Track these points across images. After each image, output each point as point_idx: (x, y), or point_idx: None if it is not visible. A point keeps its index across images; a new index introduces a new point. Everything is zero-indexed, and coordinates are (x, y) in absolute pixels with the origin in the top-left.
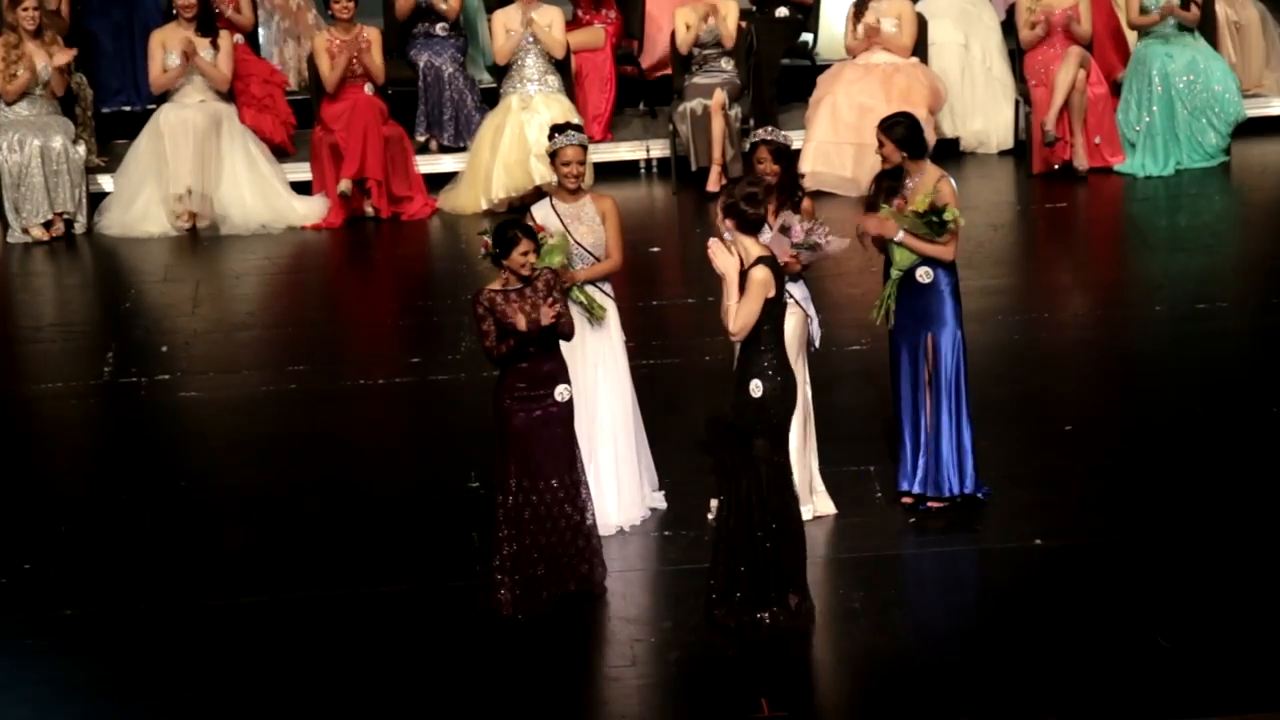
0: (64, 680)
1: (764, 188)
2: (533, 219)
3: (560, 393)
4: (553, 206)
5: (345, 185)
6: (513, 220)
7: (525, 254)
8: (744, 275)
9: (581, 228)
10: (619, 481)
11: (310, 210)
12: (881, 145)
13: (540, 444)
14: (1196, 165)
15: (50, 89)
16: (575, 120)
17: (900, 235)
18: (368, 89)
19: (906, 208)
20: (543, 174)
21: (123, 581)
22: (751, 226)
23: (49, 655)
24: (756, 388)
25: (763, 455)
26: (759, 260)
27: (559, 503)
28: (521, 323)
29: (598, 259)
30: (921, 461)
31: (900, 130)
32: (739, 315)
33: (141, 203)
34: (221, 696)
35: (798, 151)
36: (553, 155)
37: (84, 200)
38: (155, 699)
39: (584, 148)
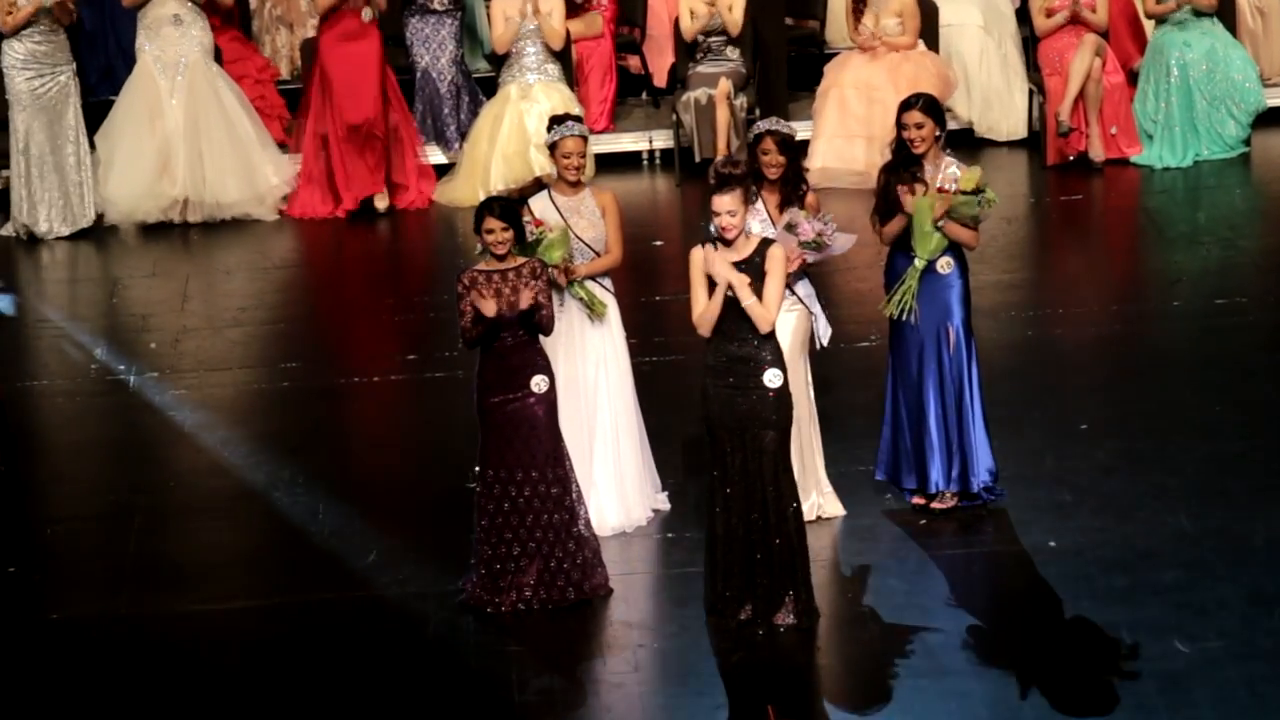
0: (50, 687)
1: (745, 161)
2: (530, 212)
3: (537, 384)
4: (551, 199)
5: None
6: (495, 198)
7: (490, 232)
8: (756, 257)
9: (581, 222)
10: (621, 482)
11: (283, 176)
12: (920, 126)
13: (517, 436)
14: (1215, 156)
15: (55, 17)
16: (575, 110)
17: (942, 220)
18: (366, 15)
19: (952, 189)
20: (542, 165)
21: (110, 585)
22: (747, 180)
23: (35, 661)
24: (776, 377)
25: (773, 449)
26: (767, 240)
27: (542, 497)
28: (489, 307)
29: (598, 254)
30: (948, 455)
31: (940, 109)
32: (773, 299)
33: (135, 185)
34: (213, 703)
35: (805, 143)
36: (552, 147)
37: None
38: (144, 706)
39: (584, 139)
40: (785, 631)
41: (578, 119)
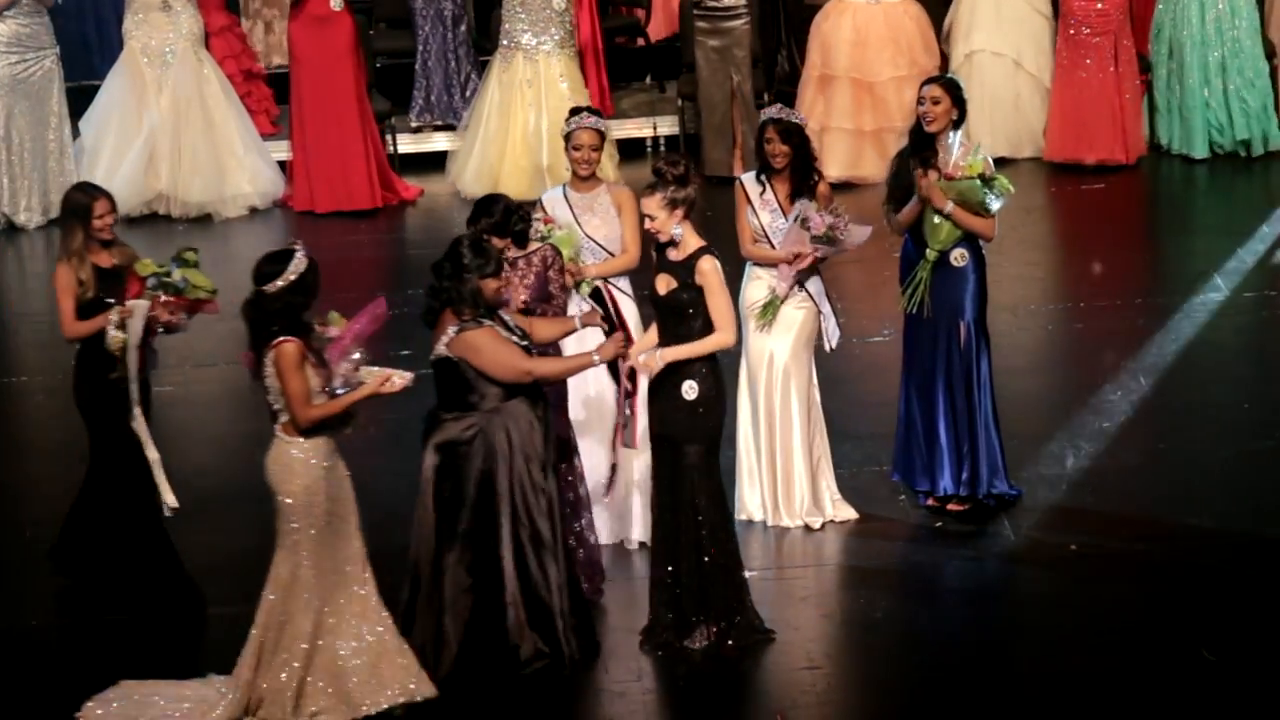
0: (32, 696)
1: (686, 163)
2: (542, 208)
3: None
4: (565, 194)
5: None
6: (495, 202)
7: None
8: (684, 266)
9: (594, 220)
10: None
11: (258, 186)
12: (937, 102)
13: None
14: (1241, 138)
15: None
16: (583, 98)
17: (949, 208)
18: (335, 3)
19: (958, 174)
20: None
21: (92, 589)
22: (691, 208)
23: (16, 669)
24: (691, 390)
25: (695, 464)
26: (703, 251)
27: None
28: (518, 298)
29: (611, 253)
30: (957, 460)
31: (961, 92)
32: (723, 316)
33: (121, 178)
34: None
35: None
36: (566, 138)
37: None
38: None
39: (599, 133)
40: (722, 650)
41: (595, 111)
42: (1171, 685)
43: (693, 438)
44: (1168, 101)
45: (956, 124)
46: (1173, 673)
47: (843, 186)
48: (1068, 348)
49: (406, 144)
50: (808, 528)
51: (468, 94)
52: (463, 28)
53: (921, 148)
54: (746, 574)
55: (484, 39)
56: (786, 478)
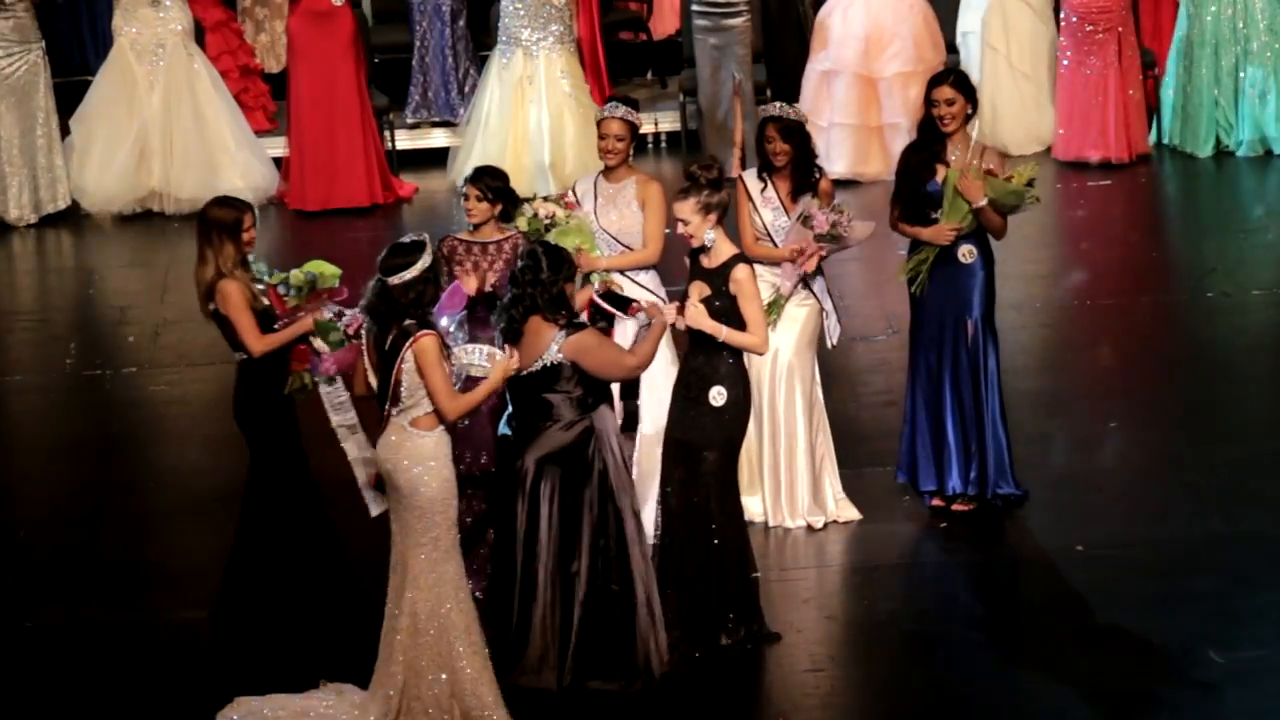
0: (22, 698)
1: (719, 167)
2: (573, 192)
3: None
4: (595, 182)
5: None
6: (488, 169)
7: (465, 198)
8: (718, 274)
9: (613, 212)
10: None
11: (250, 181)
12: (951, 103)
13: (476, 422)
14: (1250, 137)
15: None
16: (583, 97)
17: (984, 202)
18: None
19: (1005, 175)
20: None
21: (86, 591)
22: (724, 213)
23: (6, 671)
24: (719, 396)
25: (713, 470)
26: (737, 259)
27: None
28: (470, 284)
29: (627, 247)
30: (964, 459)
31: (971, 85)
32: (757, 324)
33: (113, 175)
34: (196, 714)
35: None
36: (598, 125)
37: (66, 180)
38: (123, 718)
39: (628, 124)
40: (734, 653)
41: (630, 102)
42: (1178, 687)
43: (713, 443)
44: (1177, 99)
45: (968, 118)
46: (1179, 674)
47: (848, 183)
48: (1072, 346)
49: (403, 140)
50: (810, 528)
51: (465, 90)
52: (461, 23)
53: (931, 143)
54: (752, 576)
55: (482, 34)
56: (789, 477)
